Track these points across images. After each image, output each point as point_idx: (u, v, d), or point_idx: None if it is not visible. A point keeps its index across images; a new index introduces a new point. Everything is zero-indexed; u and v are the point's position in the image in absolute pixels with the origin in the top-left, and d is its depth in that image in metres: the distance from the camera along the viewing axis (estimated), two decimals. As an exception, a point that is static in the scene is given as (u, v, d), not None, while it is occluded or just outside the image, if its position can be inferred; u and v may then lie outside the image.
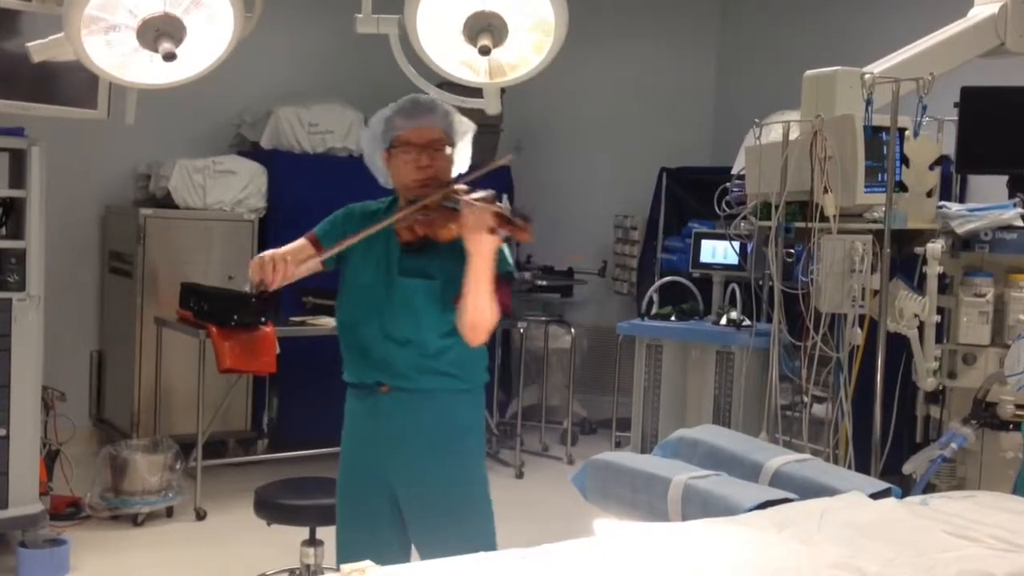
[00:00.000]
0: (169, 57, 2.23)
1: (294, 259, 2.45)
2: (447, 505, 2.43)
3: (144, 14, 2.17)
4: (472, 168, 2.56)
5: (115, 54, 2.28)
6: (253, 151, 5.75)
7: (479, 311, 2.33)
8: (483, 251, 2.28)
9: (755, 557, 1.75)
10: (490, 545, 2.43)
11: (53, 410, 4.40)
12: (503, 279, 2.40)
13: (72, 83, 3.53)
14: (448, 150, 2.49)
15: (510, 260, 2.50)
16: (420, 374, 2.43)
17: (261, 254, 2.44)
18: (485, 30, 2.48)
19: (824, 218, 3.40)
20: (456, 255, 2.37)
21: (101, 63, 2.29)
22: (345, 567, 1.49)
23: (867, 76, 3.32)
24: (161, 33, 2.23)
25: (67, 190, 5.35)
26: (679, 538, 1.85)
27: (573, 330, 6.19)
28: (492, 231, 2.26)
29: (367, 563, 1.50)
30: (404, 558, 2.50)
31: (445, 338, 2.42)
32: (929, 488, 3.14)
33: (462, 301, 2.34)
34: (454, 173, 2.61)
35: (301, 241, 2.58)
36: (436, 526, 2.42)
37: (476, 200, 2.33)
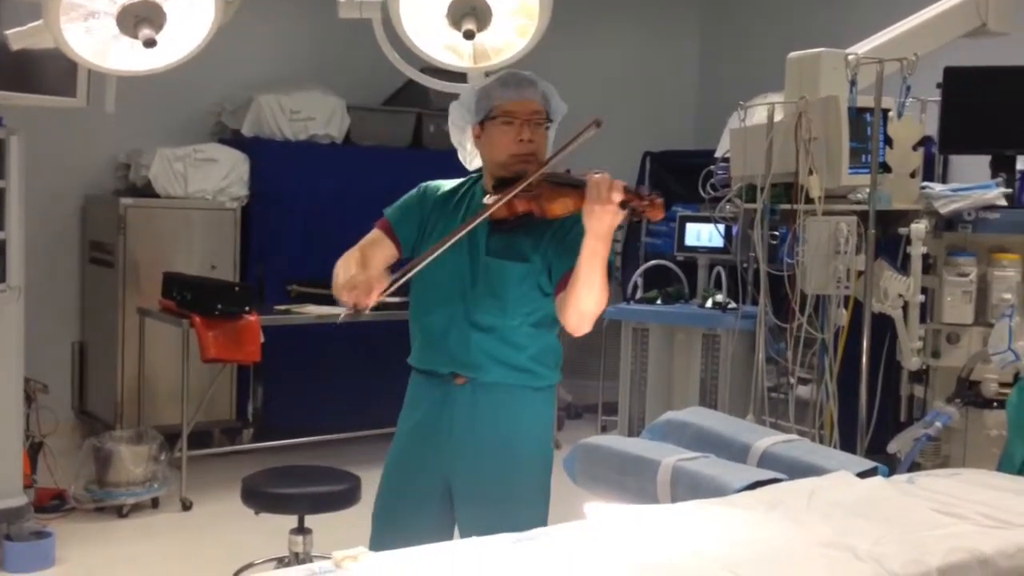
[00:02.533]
0: (149, 43, 2.21)
1: (378, 268, 2.27)
2: (502, 508, 2.28)
3: (124, 0, 2.15)
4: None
5: (94, 41, 2.26)
6: (234, 139, 5.71)
7: (594, 296, 2.13)
8: (605, 230, 2.06)
9: (748, 537, 1.76)
10: None
11: (35, 402, 4.37)
12: (608, 269, 2.19)
13: (51, 71, 3.49)
14: (544, 128, 2.33)
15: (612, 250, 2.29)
16: (498, 366, 2.28)
17: (348, 277, 2.22)
18: (469, 14, 2.46)
19: (809, 200, 3.40)
20: (555, 235, 2.23)
21: (80, 50, 2.26)
22: (337, 553, 1.48)
23: (851, 57, 3.32)
24: (141, 19, 2.21)
25: (47, 180, 5.30)
26: (670, 519, 1.85)
27: (558, 315, 6.19)
28: (622, 205, 2.05)
29: (360, 549, 1.50)
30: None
31: (530, 329, 2.29)
32: (914, 467, 3.16)
33: (575, 285, 2.13)
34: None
35: (374, 233, 2.40)
36: (486, 526, 2.29)
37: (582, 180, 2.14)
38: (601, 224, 2.06)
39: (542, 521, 2.32)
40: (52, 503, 4.44)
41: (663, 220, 2.24)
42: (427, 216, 2.39)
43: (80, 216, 5.75)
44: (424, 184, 2.47)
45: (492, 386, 2.30)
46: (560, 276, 2.24)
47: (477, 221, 2.20)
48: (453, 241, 2.17)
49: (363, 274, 2.19)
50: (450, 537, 2.31)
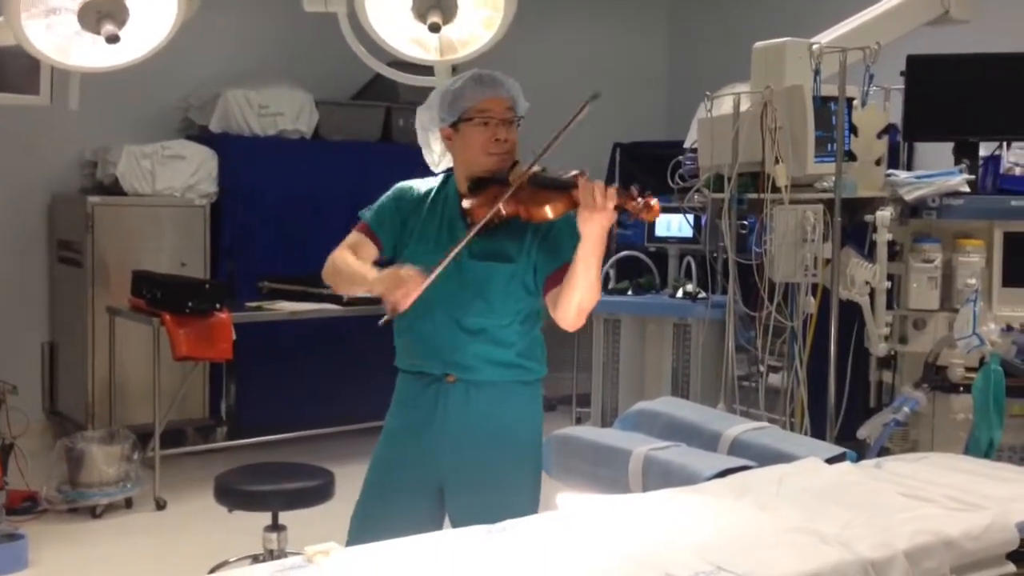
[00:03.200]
0: (112, 39, 2.19)
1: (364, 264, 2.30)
2: (492, 499, 2.26)
3: (85, -4, 2.14)
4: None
5: (56, 37, 2.24)
6: (202, 135, 5.67)
7: (592, 293, 2.17)
8: (599, 230, 2.09)
9: (717, 524, 1.78)
10: None
11: (5, 403, 4.33)
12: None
13: (13, 68, 3.44)
14: (515, 126, 2.35)
15: None
16: (490, 365, 2.31)
17: (385, 275, 2.20)
18: (434, 7, 2.46)
19: (776, 189, 3.43)
20: (537, 234, 2.25)
21: (42, 47, 2.25)
22: (309, 548, 1.48)
23: (815, 47, 3.35)
24: (103, 15, 2.19)
25: (13, 179, 5.25)
26: (641, 508, 1.87)
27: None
28: (618, 208, 2.07)
29: (331, 544, 1.50)
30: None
31: (518, 326, 2.31)
32: (883, 452, 3.19)
33: (572, 285, 2.17)
34: None
35: (356, 235, 2.39)
36: (479, 517, 2.30)
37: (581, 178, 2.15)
38: (594, 226, 2.10)
39: (536, 507, 2.36)
40: (24, 505, 4.39)
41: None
42: (406, 218, 2.39)
43: (47, 215, 5.69)
44: (398, 185, 2.47)
45: (484, 383, 2.32)
46: (547, 275, 2.27)
47: (484, 220, 2.19)
48: (465, 242, 2.19)
49: (404, 269, 2.17)
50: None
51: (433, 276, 2.14)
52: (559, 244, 2.24)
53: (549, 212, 2.19)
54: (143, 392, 4.95)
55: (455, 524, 2.34)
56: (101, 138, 5.49)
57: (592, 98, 2.22)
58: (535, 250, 2.27)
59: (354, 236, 2.40)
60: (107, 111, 5.21)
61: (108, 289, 5.20)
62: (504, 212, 2.21)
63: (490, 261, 2.28)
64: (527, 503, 2.33)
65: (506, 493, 2.31)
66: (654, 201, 2.11)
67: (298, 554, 1.58)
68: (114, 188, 5.34)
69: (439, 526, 2.38)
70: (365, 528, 2.35)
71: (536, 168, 2.26)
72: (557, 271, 2.23)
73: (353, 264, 2.31)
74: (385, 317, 2.16)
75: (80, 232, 5.23)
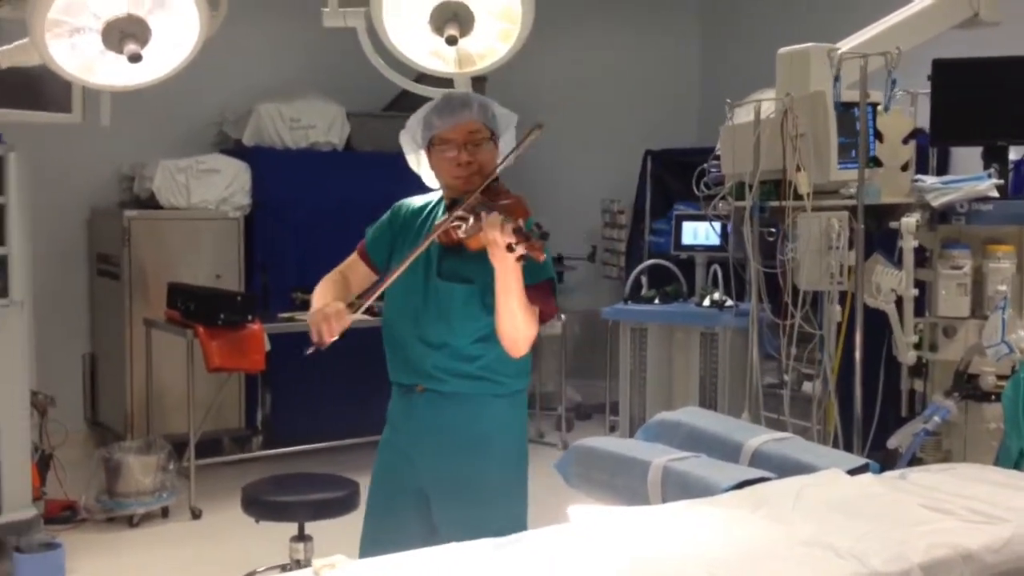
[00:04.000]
0: (135, 58, 2.22)
1: (358, 290, 2.43)
2: (475, 508, 2.35)
3: (108, 16, 2.17)
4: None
5: (81, 57, 2.28)
6: (236, 149, 5.74)
7: (513, 324, 2.22)
8: (507, 265, 2.14)
9: (727, 537, 1.76)
10: None
11: (45, 415, 4.41)
12: (545, 286, 2.30)
13: (49, 87, 3.52)
14: (489, 143, 2.40)
15: (550, 266, 2.37)
16: (452, 377, 2.36)
17: (315, 310, 2.31)
18: (451, 20, 2.47)
19: (798, 196, 3.40)
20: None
21: (67, 66, 2.29)
22: (316, 562, 1.50)
23: (833, 53, 3.31)
24: (126, 35, 2.23)
25: (53, 194, 5.35)
26: (652, 520, 1.86)
27: (564, 316, 6.19)
28: (510, 248, 2.09)
29: (339, 557, 1.51)
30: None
31: (479, 343, 2.35)
32: (916, 461, 3.15)
33: (496, 314, 2.24)
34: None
35: (352, 256, 2.53)
36: (463, 528, 2.34)
37: (504, 207, 2.19)
38: (502, 264, 2.13)
39: (521, 522, 2.39)
40: (63, 514, 4.48)
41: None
42: (396, 235, 2.49)
43: (87, 229, 5.80)
44: (398, 203, 2.56)
45: (452, 395, 2.37)
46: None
47: (420, 250, 2.28)
48: (404, 267, 2.26)
49: (331, 306, 2.27)
50: (434, 542, 2.32)
51: (360, 311, 2.27)
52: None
53: (472, 244, 2.25)
54: (179, 402, 5.02)
55: (441, 534, 2.37)
56: (138, 153, 5.59)
57: (537, 127, 2.26)
58: (490, 272, 2.27)
59: (351, 257, 2.53)
60: (144, 127, 5.31)
61: (145, 301, 5.29)
62: (453, 237, 2.28)
63: (452, 282, 2.35)
64: (512, 513, 2.38)
65: (488, 503, 2.36)
66: (539, 244, 2.11)
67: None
68: (151, 202, 5.43)
69: (435, 536, 2.39)
70: (369, 540, 2.44)
71: (485, 197, 2.28)
72: None
73: (318, 292, 2.45)
74: (309, 349, 2.24)
75: (118, 246, 5.32)
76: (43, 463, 4.36)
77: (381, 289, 2.34)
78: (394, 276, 2.28)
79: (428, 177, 2.51)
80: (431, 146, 2.41)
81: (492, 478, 2.39)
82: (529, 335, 2.26)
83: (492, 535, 2.18)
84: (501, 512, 2.34)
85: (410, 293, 2.38)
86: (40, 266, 4.60)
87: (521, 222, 2.13)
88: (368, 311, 2.38)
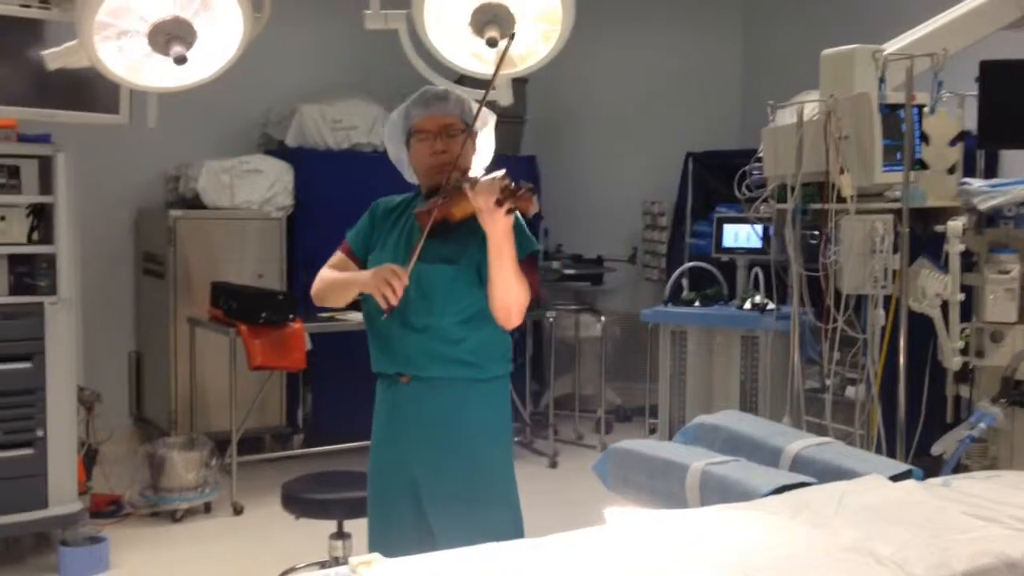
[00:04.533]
0: (180, 60, 2.26)
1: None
2: (465, 496, 2.43)
3: (154, 18, 2.21)
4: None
5: (127, 59, 2.32)
6: (279, 149, 5.81)
7: (508, 290, 2.31)
8: (498, 228, 2.25)
9: (767, 542, 1.74)
10: (514, 537, 2.40)
11: (92, 411, 4.49)
12: (529, 260, 2.40)
13: (97, 89, 3.58)
14: (463, 136, 2.50)
15: (534, 240, 2.48)
16: (436, 362, 2.43)
17: (371, 274, 2.42)
18: (492, 21, 2.48)
19: (842, 199, 3.36)
20: (478, 239, 2.36)
21: (114, 68, 2.32)
22: (353, 560, 1.51)
23: (878, 55, 3.27)
24: (172, 37, 2.26)
25: (100, 194, 5.44)
26: (690, 524, 1.85)
27: (603, 318, 6.19)
28: (499, 203, 2.22)
29: (375, 555, 1.52)
30: (428, 548, 2.50)
31: (462, 325, 2.42)
32: (961, 468, 3.11)
33: (489, 284, 2.33)
34: (479, 163, 2.61)
35: (338, 255, 2.62)
36: (454, 516, 2.43)
37: (484, 179, 2.33)
38: (494, 225, 2.24)
39: (514, 507, 2.49)
40: (108, 509, 4.56)
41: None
42: (375, 229, 2.59)
43: (133, 228, 5.90)
44: (376, 202, 2.67)
45: (435, 381, 2.44)
46: (481, 278, 2.39)
47: (429, 222, 2.37)
48: (423, 240, 2.36)
49: (384, 268, 2.37)
50: (431, 539, 2.44)
51: (411, 266, 2.34)
52: None
53: (456, 213, 2.36)
54: (222, 400, 5.09)
55: (434, 526, 2.45)
56: (184, 154, 5.67)
57: (487, 101, 2.41)
58: (477, 251, 2.38)
59: (336, 256, 2.62)
60: (189, 128, 5.38)
61: (190, 300, 5.36)
62: (436, 217, 2.38)
63: (434, 264, 2.41)
64: (505, 502, 2.47)
65: (477, 493, 2.42)
66: (528, 193, 2.23)
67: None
68: (196, 202, 5.50)
69: (430, 531, 2.48)
70: (375, 539, 2.54)
71: (460, 175, 2.43)
72: None
73: (341, 274, 2.55)
74: (384, 313, 2.35)
75: (163, 245, 5.40)
76: (89, 458, 4.44)
77: (418, 249, 2.38)
78: (420, 243, 2.36)
79: (408, 172, 2.62)
80: (410, 139, 2.53)
81: (479, 465, 2.45)
82: (522, 304, 2.34)
83: (482, 521, 2.33)
84: (494, 499, 2.44)
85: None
86: (87, 265, 4.68)
87: (508, 179, 2.24)
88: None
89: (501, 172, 2.34)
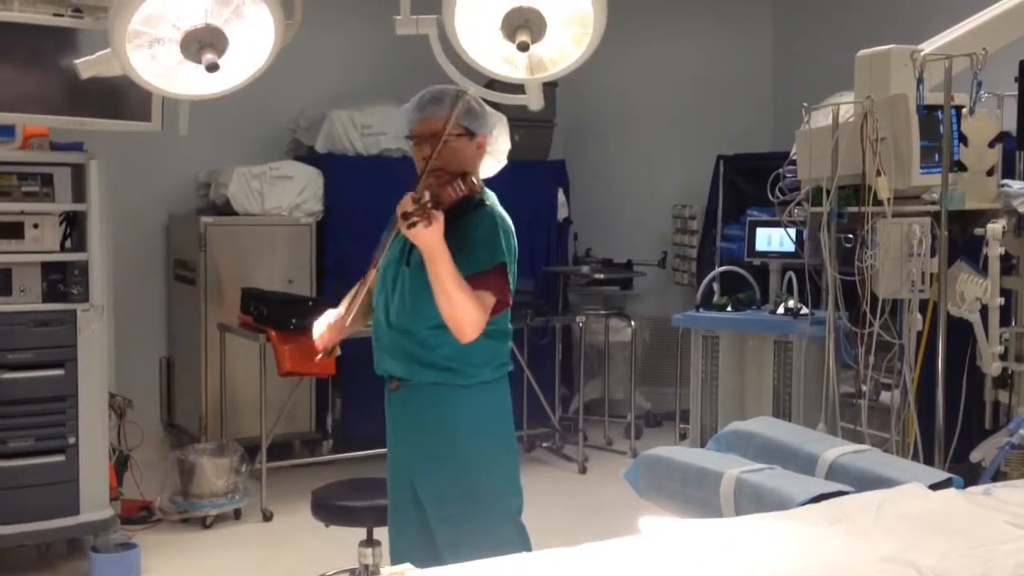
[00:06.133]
0: (212, 68, 2.26)
1: (352, 306, 2.53)
2: (460, 505, 2.42)
3: (186, 26, 2.21)
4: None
5: (160, 67, 2.32)
6: (309, 155, 5.82)
7: (449, 305, 2.29)
8: (420, 243, 2.26)
9: (803, 552, 1.72)
10: (512, 545, 2.24)
11: (123, 417, 4.51)
12: (497, 270, 2.39)
13: (129, 97, 3.61)
14: (460, 139, 2.48)
15: (503, 251, 2.44)
16: (419, 366, 2.44)
17: (323, 319, 2.54)
18: (523, 26, 2.46)
19: (878, 202, 3.31)
20: (454, 242, 2.35)
21: (147, 76, 2.33)
22: (385, 569, 1.50)
23: (916, 55, 3.22)
24: (204, 44, 2.26)
25: (132, 201, 5.48)
26: (726, 534, 1.82)
27: (633, 322, 6.15)
28: (405, 217, 2.24)
29: (406, 566, 1.51)
30: (434, 556, 2.44)
31: (436, 330, 2.40)
32: (1000, 476, 3.05)
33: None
34: (489, 166, 2.61)
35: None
36: (452, 525, 2.43)
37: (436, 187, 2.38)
38: (415, 240, 2.26)
39: (515, 512, 2.47)
40: (139, 515, 4.58)
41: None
42: (386, 235, 2.60)
43: (164, 235, 5.93)
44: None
45: (421, 386, 2.46)
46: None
47: (389, 241, 2.46)
48: (378, 261, 2.46)
49: (330, 316, 2.49)
50: (434, 545, 2.44)
51: (351, 316, 2.46)
52: (467, 255, 2.36)
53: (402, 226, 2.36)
54: (252, 406, 5.10)
55: (437, 536, 2.45)
56: (214, 160, 5.70)
57: (461, 94, 2.40)
58: (453, 259, 2.36)
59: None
60: (220, 135, 5.41)
61: (220, 306, 5.38)
62: (396, 226, 2.37)
63: (415, 269, 2.43)
64: (502, 506, 2.45)
65: (471, 498, 2.42)
66: (429, 207, 2.23)
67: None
68: (226, 208, 5.53)
69: (433, 540, 2.47)
70: (390, 544, 2.58)
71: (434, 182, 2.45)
72: (465, 277, 2.33)
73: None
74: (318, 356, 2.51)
75: (194, 251, 5.43)
76: (120, 464, 4.46)
77: (357, 290, 2.49)
78: (376, 263, 2.45)
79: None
80: (409, 140, 2.59)
81: (474, 475, 2.44)
82: (473, 320, 2.31)
83: (477, 529, 2.33)
84: (488, 503, 2.42)
85: (385, 285, 2.51)
86: (119, 271, 4.70)
87: (427, 195, 2.25)
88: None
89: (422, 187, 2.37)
